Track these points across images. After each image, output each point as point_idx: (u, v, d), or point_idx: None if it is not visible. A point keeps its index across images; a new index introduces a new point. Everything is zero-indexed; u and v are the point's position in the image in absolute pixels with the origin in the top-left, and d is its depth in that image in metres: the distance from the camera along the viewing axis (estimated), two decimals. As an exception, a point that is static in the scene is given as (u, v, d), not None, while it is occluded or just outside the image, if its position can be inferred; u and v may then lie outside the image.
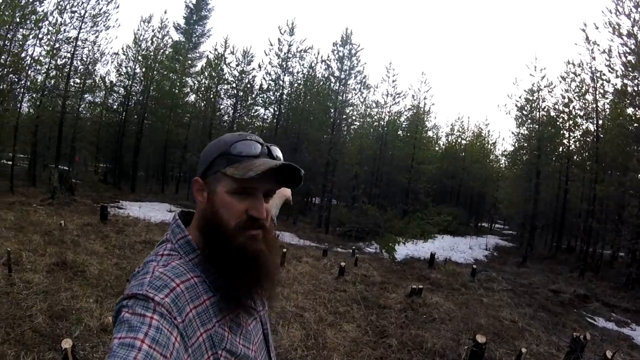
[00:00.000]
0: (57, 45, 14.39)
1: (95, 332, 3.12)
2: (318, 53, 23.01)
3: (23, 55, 13.09)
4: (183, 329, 0.55)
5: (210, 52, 19.38)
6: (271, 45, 18.65)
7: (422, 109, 20.10)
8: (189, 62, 20.18)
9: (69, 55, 15.06)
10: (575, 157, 15.28)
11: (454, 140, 25.29)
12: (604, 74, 12.39)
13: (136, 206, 12.33)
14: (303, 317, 4.17)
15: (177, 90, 17.87)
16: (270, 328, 0.79)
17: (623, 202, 11.34)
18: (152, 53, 18.16)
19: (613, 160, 11.99)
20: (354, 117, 19.51)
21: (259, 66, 18.49)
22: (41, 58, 13.79)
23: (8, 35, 12.17)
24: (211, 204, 0.65)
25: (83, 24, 15.09)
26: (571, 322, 5.62)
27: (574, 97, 14.25)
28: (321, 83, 18.80)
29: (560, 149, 15.78)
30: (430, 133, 22.79)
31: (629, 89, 10.78)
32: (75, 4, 14.66)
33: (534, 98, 16.09)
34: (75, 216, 8.42)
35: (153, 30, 18.43)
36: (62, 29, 14.33)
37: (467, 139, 24.81)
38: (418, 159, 18.86)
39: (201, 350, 0.58)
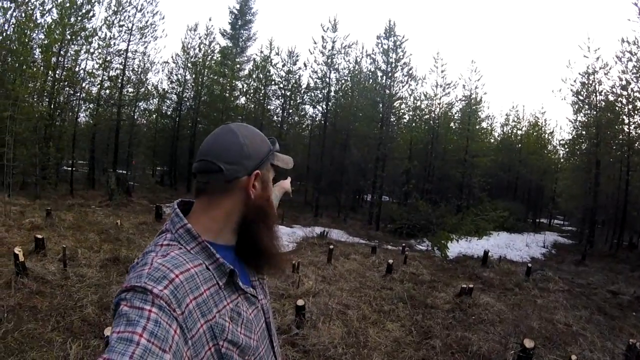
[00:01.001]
0: (109, 57, 15.32)
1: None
2: (362, 47, 22.91)
3: (77, 69, 14.12)
4: (183, 321, 0.54)
5: (256, 54, 19.83)
6: (315, 43, 18.72)
7: (474, 99, 19.11)
8: (238, 66, 20.70)
9: (120, 66, 15.98)
10: (636, 145, 13.96)
11: (509, 131, 23.89)
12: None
13: (191, 205, 12.76)
14: (346, 314, 4.10)
15: (227, 94, 18.41)
16: (272, 317, 0.80)
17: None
18: (200, 59, 18.91)
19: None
20: (403, 111, 18.93)
21: (305, 65, 18.53)
22: (94, 71, 14.82)
23: (61, 52, 13.12)
24: (267, 192, 0.73)
25: (131, 36, 15.99)
26: (629, 327, 5.06)
27: (632, 79, 13.05)
28: (368, 78, 18.49)
29: (620, 136, 14.48)
30: (484, 124, 21.53)
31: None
32: (122, 18, 15.57)
33: (590, 81, 14.84)
34: (131, 216, 8.80)
35: (200, 38, 19.23)
36: (112, 43, 15.26)
37: (523, 129, 23.25)
38: (472, 151, 17.89)
39: (202, 341, 0.57)
